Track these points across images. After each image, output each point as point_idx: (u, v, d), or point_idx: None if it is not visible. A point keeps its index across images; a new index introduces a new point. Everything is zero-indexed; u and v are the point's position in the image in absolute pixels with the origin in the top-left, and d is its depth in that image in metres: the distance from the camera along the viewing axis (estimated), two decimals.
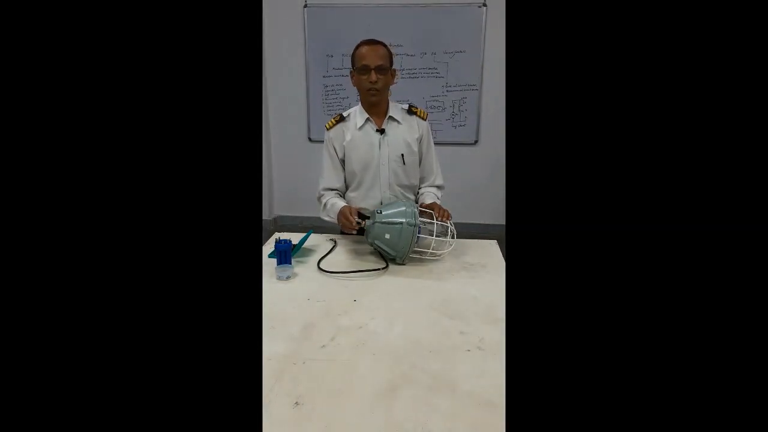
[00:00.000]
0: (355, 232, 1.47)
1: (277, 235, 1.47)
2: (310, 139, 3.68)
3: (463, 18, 3.30)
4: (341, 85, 3.51)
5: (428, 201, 1.54)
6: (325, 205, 1.61)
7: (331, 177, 1.62)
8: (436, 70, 3.42)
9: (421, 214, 1.38)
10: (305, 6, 3.40)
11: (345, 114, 1.61)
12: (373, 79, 1.47)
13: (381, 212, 1.36)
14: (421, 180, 1.66)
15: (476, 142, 3.56)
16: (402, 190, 1.61)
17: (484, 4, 3.27)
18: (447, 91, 3.46)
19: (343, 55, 3.42)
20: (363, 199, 1.59)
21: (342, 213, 1.45)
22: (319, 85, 3.55)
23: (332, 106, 3.57)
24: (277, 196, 3.86)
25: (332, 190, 1.63)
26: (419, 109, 1.62)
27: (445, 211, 1.43)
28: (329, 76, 3.52)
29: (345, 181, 1.65)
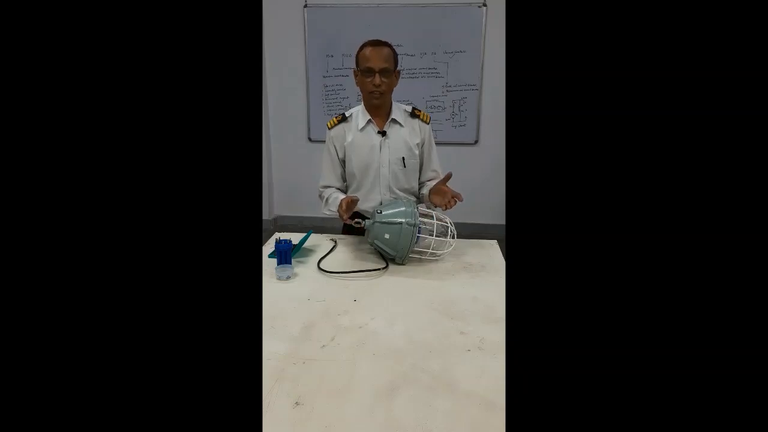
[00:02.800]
0: (346, 218, 1.42)
1: (277, 235, 1.47)
2: (310, 139, 3.68)
3: (463, 18, 3.30)
4: (341, 85, 3.52)
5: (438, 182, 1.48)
6: (327, 200, 1.60)
7: (331, 176, 1.63)
8: (436, 70, 3.42)
9: (421, 214, 1.38)
10: (305, 6, 3.40)
11: (347, 114, 1.60)
12: (377, 82, 1.47)
13: (381, 212, 1.35)
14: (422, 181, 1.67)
15: (476, 142, 3.56)
16: (402, 194, 1.61)
17: (484, 4, 3.27)
18: (447, 91, 3.46)
19: (343, 55, 3.43)
20: (363, 201, 1.58)
21: (340, 204, 1.42)
22: (319, 85, 3.55)
23: (332, 106, 3.57)
24: (277, 196, 3.86)
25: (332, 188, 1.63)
26: (422, 113, 1.61)
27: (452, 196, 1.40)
28: (329, 76, 3.52)
29: (345, 181, 1.64)
